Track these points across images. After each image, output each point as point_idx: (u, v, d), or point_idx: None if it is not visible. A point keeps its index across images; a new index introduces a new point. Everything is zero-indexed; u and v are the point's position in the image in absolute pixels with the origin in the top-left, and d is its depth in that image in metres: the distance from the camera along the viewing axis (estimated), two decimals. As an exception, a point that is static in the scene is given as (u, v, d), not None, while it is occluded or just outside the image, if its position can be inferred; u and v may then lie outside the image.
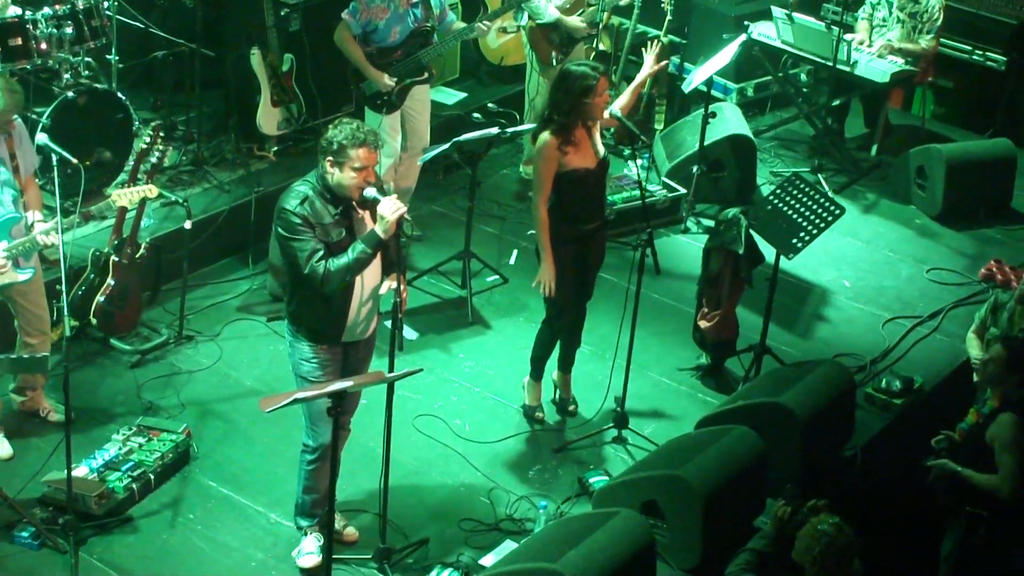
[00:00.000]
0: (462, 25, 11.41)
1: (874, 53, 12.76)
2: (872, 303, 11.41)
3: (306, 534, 8.41)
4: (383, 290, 8.10)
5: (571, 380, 9.86)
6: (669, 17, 12.92)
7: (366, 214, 7.87)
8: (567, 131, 8.93)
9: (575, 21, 12.24)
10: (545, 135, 8.94)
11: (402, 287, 8.05)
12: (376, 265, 7.94)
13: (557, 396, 9.90)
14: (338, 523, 8.41)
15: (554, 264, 9.10)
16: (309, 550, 8.39)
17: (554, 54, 12.21)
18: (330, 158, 7.68)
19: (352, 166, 7.64)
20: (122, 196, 8.92)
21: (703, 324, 10.21)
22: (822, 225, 9.76)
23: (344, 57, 11.07)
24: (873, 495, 9.35)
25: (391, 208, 7.57)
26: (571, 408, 9.87)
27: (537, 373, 9.75)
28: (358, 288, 7.88)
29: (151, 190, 9.16)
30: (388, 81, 10.96)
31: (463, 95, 13.44)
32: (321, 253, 7.65)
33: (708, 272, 10.18)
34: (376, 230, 7.64)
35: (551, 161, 8.94)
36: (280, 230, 7.72)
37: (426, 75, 11.30)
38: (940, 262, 12.05)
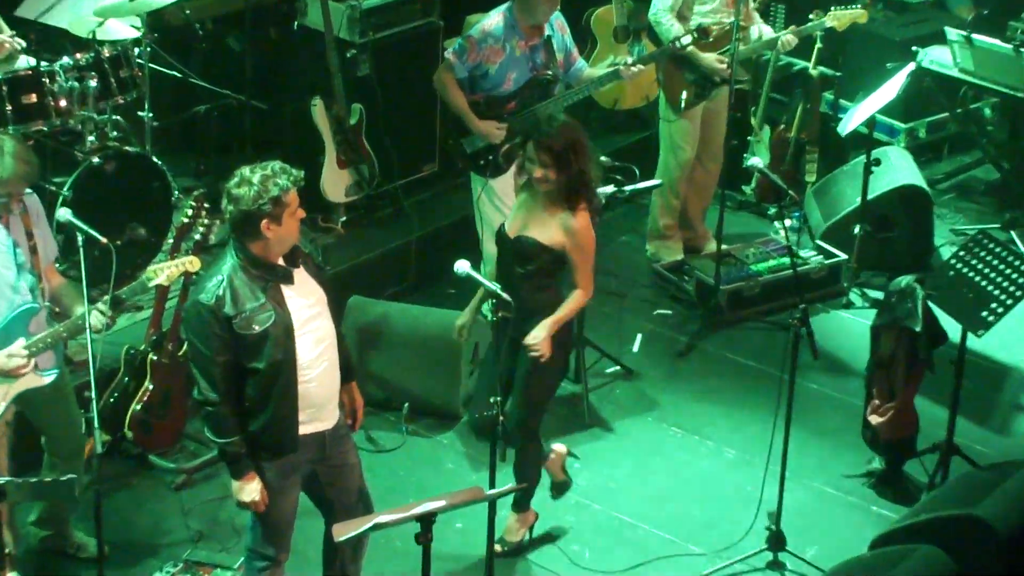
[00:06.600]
0: (600, 71, 11.28)
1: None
2: (1084, 389, 11.33)
3: None
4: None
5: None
6: (819, 45, 12.85)
7: (301, 273, 7.86)
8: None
9: (712, 60, 11.95)
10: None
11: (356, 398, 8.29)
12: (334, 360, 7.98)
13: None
14: None
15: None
16: None
17: (684, 95, 11.98)
18: (265, 221, 7.56)
19: (292, 211, 7.64)
20: (159, 272, 8.90)
21: (874, 419, 10.15)
22: (1018, 294, 9.66)
23: (444, 106, 11.21)
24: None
25: None
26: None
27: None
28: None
29: (192, 262, 9.04)
30: (497, 131, 10.94)
31: (570, 147, 13.45)
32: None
33: (878, 355, 10.14)
34: None
35: None
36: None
37: None
38: None
